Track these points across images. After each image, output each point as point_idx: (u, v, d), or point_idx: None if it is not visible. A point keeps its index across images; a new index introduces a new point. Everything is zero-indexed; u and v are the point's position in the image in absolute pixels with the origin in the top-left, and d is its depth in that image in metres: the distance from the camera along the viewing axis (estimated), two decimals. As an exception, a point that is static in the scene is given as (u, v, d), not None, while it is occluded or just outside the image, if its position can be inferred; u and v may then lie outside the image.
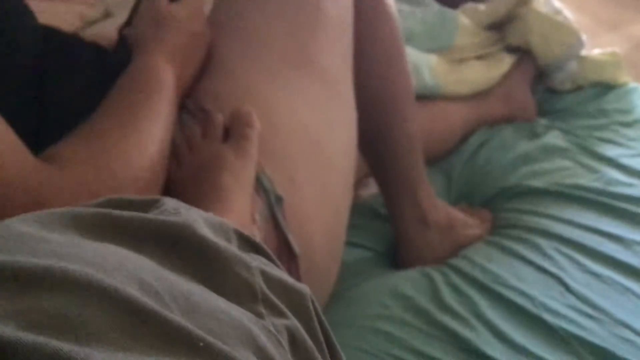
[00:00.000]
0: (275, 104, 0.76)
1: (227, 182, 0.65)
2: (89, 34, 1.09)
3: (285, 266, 0.70)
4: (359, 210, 1.08)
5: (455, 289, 0.92)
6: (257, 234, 0.67)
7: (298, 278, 0.71)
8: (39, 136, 0.63)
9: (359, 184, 1.15)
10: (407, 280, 0.94)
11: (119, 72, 0.70)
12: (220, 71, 0.79)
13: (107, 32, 1.13)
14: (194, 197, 0.65)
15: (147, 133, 0.64)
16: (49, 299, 0.28)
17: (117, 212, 0.37)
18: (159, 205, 0.41)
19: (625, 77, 1.36)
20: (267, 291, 0.38)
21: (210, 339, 0.29)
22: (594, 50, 1.38)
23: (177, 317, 0.29)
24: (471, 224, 1.07)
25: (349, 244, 0.93)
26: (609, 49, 1.38)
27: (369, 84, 0.94)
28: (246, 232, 0.63)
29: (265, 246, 0.44)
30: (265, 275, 0.39)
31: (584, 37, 1.35)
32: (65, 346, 0.25)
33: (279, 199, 0.70)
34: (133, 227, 0.36)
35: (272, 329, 0.35)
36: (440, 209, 1.05)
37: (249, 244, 0.43)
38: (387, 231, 1.07)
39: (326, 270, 0.79)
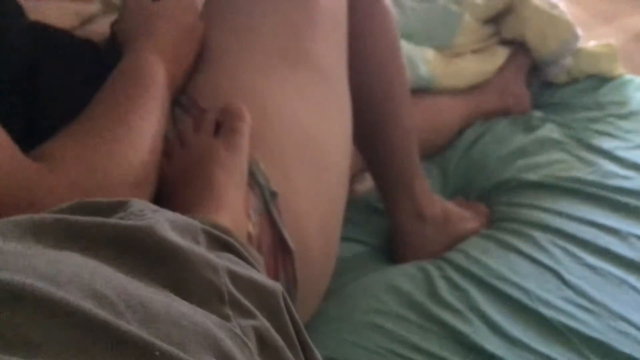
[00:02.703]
0: (269, 99, 0.75)
1: (219, 177, 0.65)
2: (87, 32, 1.08)
3: (281, 262, 0.70)
4: (355, 205, 1.08)
5: (451, 283, 0.91)
6: (251, 230, 0.67)
7: (293, 273, 0.71)
8: (31, 134, 0.63)
9: (354, 178, 1.15)
10: (403, 275, 0.94)
11: (111, 69, 0.70)
12: (214, 66, 0.78)
13: (106, 29, 1.12)
14: (185, 194, 0.65)
15: (138, 130, 0.64)
16: None
17: (75, 218, 0.37)
18: (125, 208, 0.40)
19: (620, 69, 1.35)
20: (235, 292, 0.37)
21: (166, 347, 0.28)
22: (589, 43, 1.38)
23: (131, 328, 0.29)
24: (467, 217, 1.07)
25: (345, 239, 0.93)
26: (604, 41, 1.38)
27: (364, 79, 0.93)
28: (240, 228, 0.63)
29: (236, 243, 0.44)
30: (232, 275, 0.38)
31: (579, 31, 1.35)
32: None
33: (274, 195, 0.70)
34: (92, 233, 0.36)
35: (238, 331, 0.35)
36: (436, 203, 1.05)
37: (219, 242, 0.43)
38: (383, 226, 1.07)
39: (322, 266, 0.78)
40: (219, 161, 0.66)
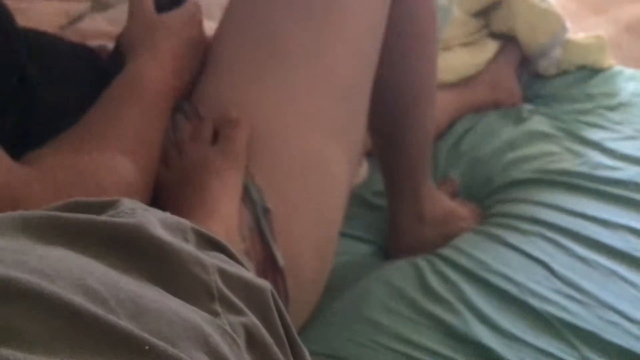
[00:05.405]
0: (281, 119, 0.73)
1: (213, 186, 0.65)
2: (75, 31, 1.08)
3: (271, 278, 0.69)
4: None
5: (442, 277, 0.92)
6: (241, 244, 0.67)
7: (285, 291, 0.71)
8: (24, 142, 0.63)
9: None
10: (395, 270, 0.95)
11: (112, 79, 0.70)
12: (227, 75, 0.76)
13: (95, 27, 1.11)
14: (180, 202, 0.65)
15: (133, 140, 0.64)
16: None
17: (67, 214, 0.37)
18: (116, 207, 0.41)
19: (610, 61, 1.36)
20: (224, 289, 0.38)
21: (156, 341, 0.29)
22: (579, 34, 1.39)
23: (122, 322, 0.29)
24: (464, 217, 1.07)
25: (337, 233, 0.94)
26: (593, 33, 1.38)
27: (396, 80, 0.91)
28: (232, 237, 0.63)
29: (225, 242, 0.44)
30: (222, 272, 0.39)
31: (568, 23, 1.35)
32: (4, 352, 0.25)
33: (266, 211, 0.70)
34: (83, 230, 0.36)
35: (227, 327, 0.35)
36: (437, 205, 1.05)
37: (208, 241, 0.43)
38: (376, 220, 1.08)
39: (313, 287, 0.78)
40: (214, 170, 0.67)
